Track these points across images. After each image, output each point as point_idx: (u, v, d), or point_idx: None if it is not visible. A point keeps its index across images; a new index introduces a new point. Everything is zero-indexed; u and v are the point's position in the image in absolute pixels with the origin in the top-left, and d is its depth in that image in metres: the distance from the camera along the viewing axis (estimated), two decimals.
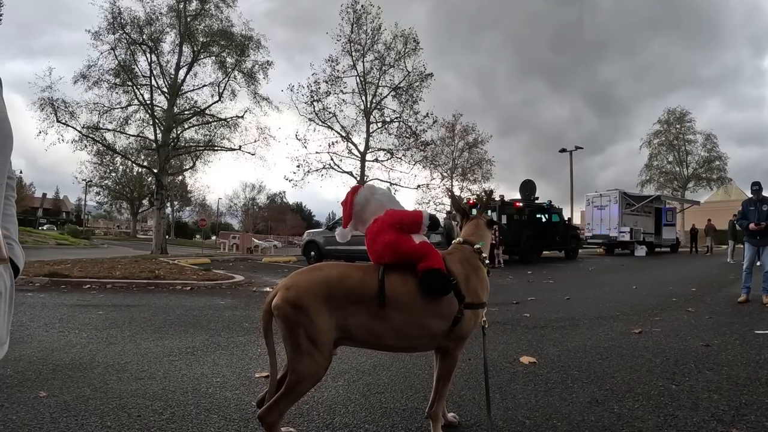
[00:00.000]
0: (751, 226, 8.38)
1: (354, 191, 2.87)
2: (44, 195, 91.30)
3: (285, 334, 2.38)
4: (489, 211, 3.27)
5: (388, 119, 29.50)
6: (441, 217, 24.46)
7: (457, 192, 38.17)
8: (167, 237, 31.45)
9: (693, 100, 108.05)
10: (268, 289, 10.91)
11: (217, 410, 3.24)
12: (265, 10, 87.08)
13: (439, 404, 2.79)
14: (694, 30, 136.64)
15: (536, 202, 23.88)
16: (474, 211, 3.27)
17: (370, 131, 29.22)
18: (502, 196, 21.76)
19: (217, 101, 26.67)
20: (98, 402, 3.37)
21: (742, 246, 19.07)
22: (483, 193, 3.35)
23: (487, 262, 2.91)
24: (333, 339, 2.42)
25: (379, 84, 29.26)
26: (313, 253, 19.05)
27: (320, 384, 2.59)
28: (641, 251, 26.67)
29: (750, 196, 8.82)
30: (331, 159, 28.77)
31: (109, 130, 25.64)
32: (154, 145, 25.95)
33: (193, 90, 26.98)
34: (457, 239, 3.06)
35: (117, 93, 25.11)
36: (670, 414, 3.25)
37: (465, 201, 3.47)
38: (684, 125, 47.97)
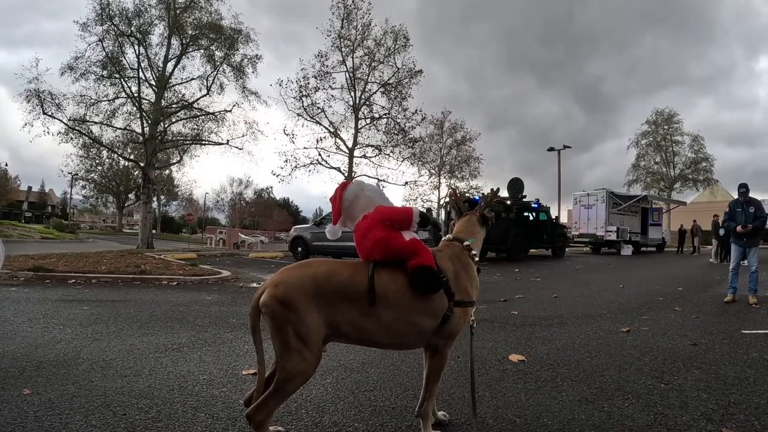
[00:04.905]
0: (738, 228, 8.46)
1: (343, 187, 2.83)
2: (29, 188, 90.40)
3: (273, 332, 2.34)
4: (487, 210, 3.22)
5: (376, 115, 29.56)
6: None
7: (445, 190, 38.25)
8: (153, 231, 31.25)
9: (683, 98, 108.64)
10: (255, 284, 10.86)
11: (204, 408, 3.19)
12: None
13: (429, 403, 2.76)
14: (684, 27, 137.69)
15: (524, 200, 23.96)
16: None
17: (359, 127, 29.23)
18: (498, 189, 21.79)
19: (205, 95, 26.50)
20: (83, 400, 3.31)
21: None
22: (490, 191, 3.31)
23: (476, 259, 2.89)
24: (322, 336, 2.39)
25: (368, 80, 29.29)
26: (300, 248, 18.95)
27: (309, 382, 2.56)
28: (627, 250, 26.84)
29: (737, 197, 8.88)
30: (319, 154, 28.80)
31: (95, 122, 25.30)
32: (141, 138, 25.69)
33: (182, 83, 26.78)
34: (447, 236, 3.03)
35: (104, 85, 24.82)
36: (660, 413, 3.25)
37: (465, 200, 3.43)
38: (672, 126, 48.36)
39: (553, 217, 26.43)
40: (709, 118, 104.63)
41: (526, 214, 23.33)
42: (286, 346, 2.31)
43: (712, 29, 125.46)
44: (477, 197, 13.62)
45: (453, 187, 32.54)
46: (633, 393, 3.66)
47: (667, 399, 3.54)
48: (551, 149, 39.95)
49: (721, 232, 9.61)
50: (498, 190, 3.29)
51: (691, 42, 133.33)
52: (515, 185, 25.09)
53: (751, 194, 8.75)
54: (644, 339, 5.59)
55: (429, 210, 27.71)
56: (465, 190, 35.85)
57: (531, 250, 23.37)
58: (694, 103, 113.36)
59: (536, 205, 23.93)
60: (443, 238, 3.06)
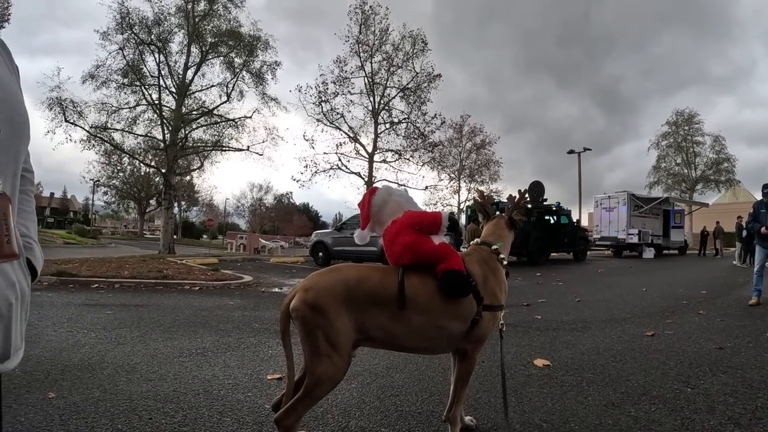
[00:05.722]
0: (762, 230, 8.33)
1: (371, 192, 2.84)
2: (52, 194, 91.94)
3: (303, 337, 2.34)
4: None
5: (396, 120, 29.65)
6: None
7: (465, 194, 38.22)
8: (174, 237, 31.52)
9: (703, 98, 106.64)
10: (277, 289, 10.92)
11: (230, 413, 3.21)
12: (265, 3, 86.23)
13: (457, 407, 2.75)
14: (702, 25, 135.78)
15: (544, 203, 23.82)
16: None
17: (378, 132, 29.32)
18: (525, 191, 21.70)
19: (225, 101, 26.71)
20: (108, 404, 3.34)
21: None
22: (518, 192, 3.30)
23: (505, 263, 2.87)
24: (352, 341, 2.39)
25: (387, 85, 29.40)
26: (321, 253, 18.99)
27: None
28: (649, 253, 26.56)
29: (761, 198, 8.75)
30: (339, 160, 28.96)
31: (117, 129, 25.66)
32: (162, 145, 25.96)
33: (202, 90, 27.01)
34: (475, 240, 3.02)
35: (125, 93, 25.14)
36: (687, 417, 3.21)
37: (493, 202, 3.42)
38: (692, 127, 47.76)
39: (574, 220, 26.23)
40: (729, 118, 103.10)
41: (546, 217, 23.18)
42: (315, 350, 2.32)
43: (730, 27, 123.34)
44: (498, 201, 13.56)
45: (479, 189, 32.56)
46: (659, 397, 3.62)
47: (693, 403, 3.49)
48: (571, 152, 39.71)
49: (744, 233, 9.49)
50: (526, 191, 3.25)
51: (709, 40, 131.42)
52: (536, 189, 24.94)
53: None
54: (669, 343, 5.52)
55: (452, 214, 27.59)
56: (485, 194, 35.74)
57: (552, 254, 23.22)
58: (715, 103, 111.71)
59: (557, 208, 23.76)
60: (471, 242, 3.05)
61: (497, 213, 3.18)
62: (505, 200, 3.26)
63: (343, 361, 2.34)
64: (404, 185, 29.57)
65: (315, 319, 2.31)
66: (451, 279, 2.49)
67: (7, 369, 1.29)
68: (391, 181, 29.22)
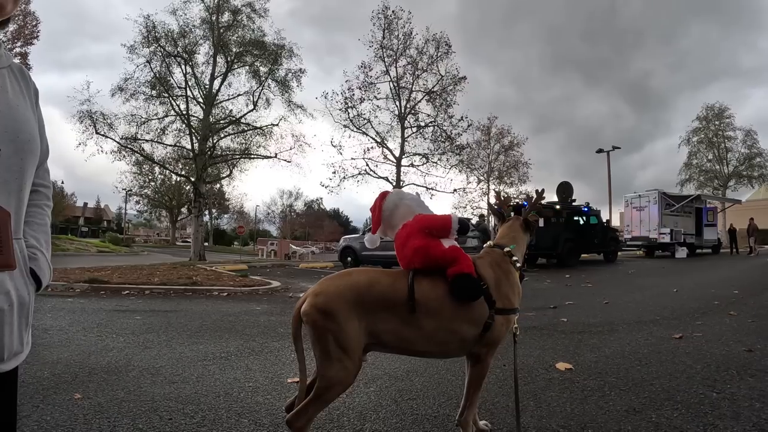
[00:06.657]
0: None
1: (383, 197, 2.84)
2: (85, 204, 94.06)
3: (314, 340, 2.36)
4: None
5: (422, 124, 29.72)
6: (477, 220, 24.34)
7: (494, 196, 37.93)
8: (205, 244, 31.96)
9: (734, 91, 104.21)
10: (303, 294, 10.97)
11: (248, 414, 3.25)
12: (289, 10, 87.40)
13: (469, 411, 2.73)
14: (732, 15, 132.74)
15: (574, 204, 23.54)
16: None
17: (405, 136, 29.41)
18: (542, 190, 21.55)
19: (251, 110, 27.08)
20: (131, 404, 3.43)
21: None
22: (535, 192, 3.27)
23: (518, 265, 2.84)
24: (362, 345, 2.40)
25: (413, 89, 29.44)
26: (349, 258, 19.10)
27: (351, 389, 2.58)
28: (682, 253, 26.01)
29: None
30: (367, 165, 29.09)
31: (146, 140, 26.17)
32: (191, 154, 26.39)
33: (228, 99, 27.44)
34: (489, 242, 3.00)
35: (153, 104, 25.72)
36: (710, 423, 3.12)
37: (513, 203, 3.38)
38: (723, 121, 46.63)
39: (604, 220, 25.87)
40: (762, 110, 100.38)
41: (576, 218, 22.90)
42: (326, 354, 2.33)
43: (762, 16, 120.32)
44: (525, 202, 13.50)
45: (496, 191, 32.30)
46: (683, 402, 3.53)
47: (718, 409, 3.40)
48: (600, 151, 39.19)
49: None
50: (543, 191, 3.20)
51: (739, 31, 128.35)
52: (564, 189, 24.72)
53: None
54: (697, 345, 5.39)
55: (482, 217, 27.49)
56: (514, 195, 35.56)
57: (582, 255, 22.92)
58: (746, 96, 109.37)
59: (586, 209, 23.46)
60: (485, 245, 3.03)
61: (512, 215, 3.15)
62: (527, 200, 3.23)
63: (353, 364, 2.35)
64: (433, 189, 29.60)
65: (325, 323, 2.32)
66: (462, 282, 2.48)
67: (2, 371, 1.35)
68: (419, 185, 29.30)
